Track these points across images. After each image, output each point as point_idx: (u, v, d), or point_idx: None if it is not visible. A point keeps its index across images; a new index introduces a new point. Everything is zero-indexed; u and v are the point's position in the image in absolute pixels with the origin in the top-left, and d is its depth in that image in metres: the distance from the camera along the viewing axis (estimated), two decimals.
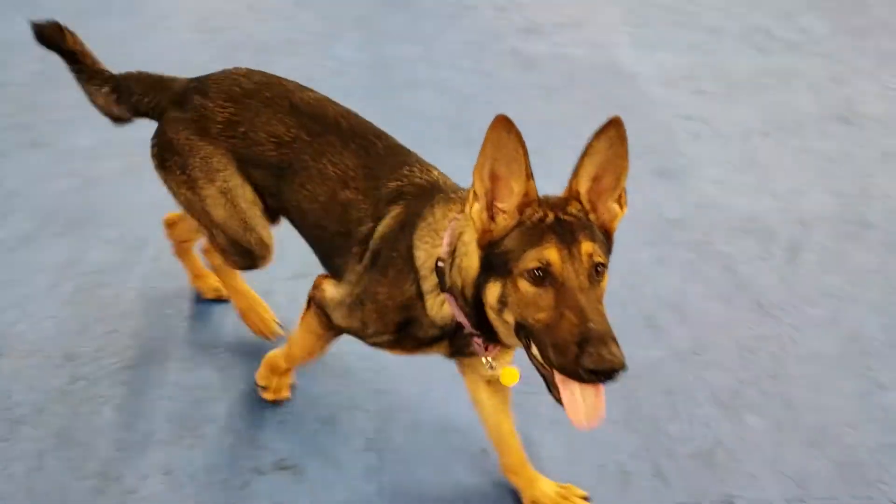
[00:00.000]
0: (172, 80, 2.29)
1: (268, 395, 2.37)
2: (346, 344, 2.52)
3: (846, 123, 4.10)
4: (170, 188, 2.27)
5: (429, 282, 1.84)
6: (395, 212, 1.95)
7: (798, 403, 2.50)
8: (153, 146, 2.24)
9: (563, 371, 1.52)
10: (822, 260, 3.13)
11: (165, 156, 2.22)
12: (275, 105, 2.15)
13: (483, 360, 1.87)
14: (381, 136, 2.13)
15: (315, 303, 2.09)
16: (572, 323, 1.49)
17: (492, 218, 1.65)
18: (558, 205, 1.64)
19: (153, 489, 2.12)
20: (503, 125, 1.56)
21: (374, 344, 2.02)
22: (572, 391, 1.55)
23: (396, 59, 4.45)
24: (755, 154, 3.75)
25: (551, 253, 1.55)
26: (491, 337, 1.78)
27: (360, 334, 2.02)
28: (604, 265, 1.60)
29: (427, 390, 2.45)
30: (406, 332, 1.92)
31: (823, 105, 4.28)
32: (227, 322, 2.65)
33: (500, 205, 1.64)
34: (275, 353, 2.32)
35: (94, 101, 2.34)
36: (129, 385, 2.41)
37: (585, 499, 2.16)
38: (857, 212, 3.42)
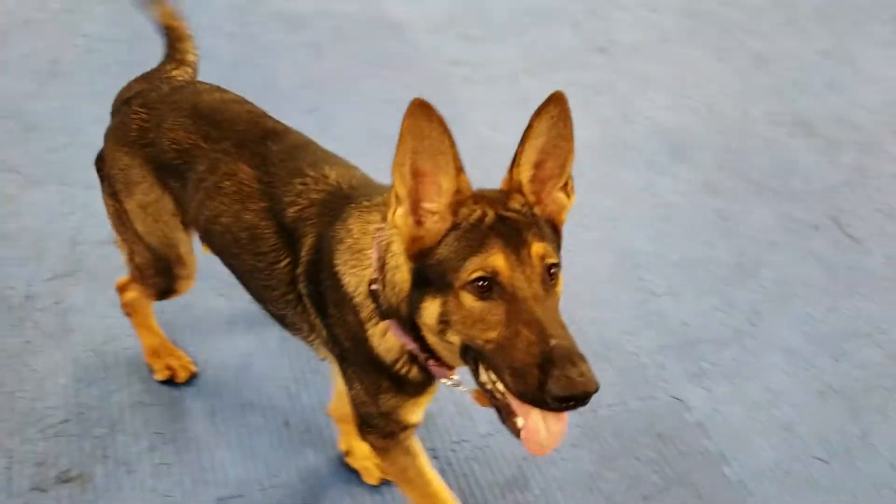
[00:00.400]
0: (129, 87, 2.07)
1: None
2: (124, 338, 2.40)
3: (605, 54, 4.35)
4: (103, 201, 2.06)
5: (366, 309, 1.58)
6: (307, 243, 1.67)
7: (580, 320, 2.65)
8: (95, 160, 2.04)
9: (525, 399, 1.29)
10: (593, 184, 3.31)
11: (98, 167, 2.03)
12: (179, 108, 1.89)
13: (449, 382, 1.60)
14: (276, 134, 1.85)
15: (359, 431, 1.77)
16: (530, 341, 1.28)
17: (419, 222, 1.41)
18: (498, 200, 1.42)
19: None
20: (422, 112, 1.32)
21: (391, 412, 1.66)
22: (534, 420, 1.34)
23: (153, 30, 4.15)
24: (524, 92, 3.88)
25: (497, 259, 1.33)
26: (440, 360, 1.54)
27: (376, 409, 1.66)
28: (557, 266, 1.40)
29: (221, 374, 2.36)
30: (390, 375, 1.62)
31: (583, 38, 4.49)
32: None
33: (427, 206, 1.41)
34: None
35: None
36: None
37: None
38: (620, 136, 3.66)
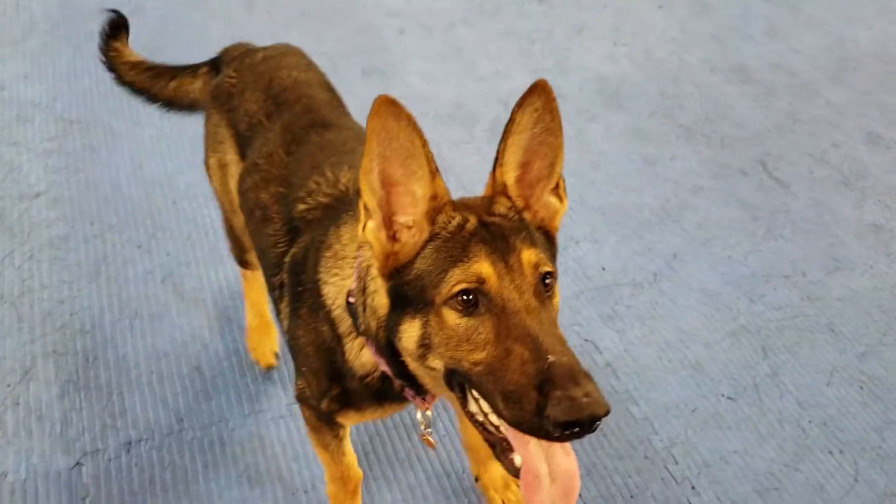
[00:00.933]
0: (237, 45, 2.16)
1: None
2: (39, 291, 2.42)
3: (544, 3, 4.30)
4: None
5: (344, 324, 1.46)
6: (302, 241, 1.62)
7: None
8: None
9: (522, 428, 1.12)
10: None
11: (204, 118, 2.07)
12: (259, 80, 1.89)
13: (419, 416, 1.52)
14: (323, 127, 1.81)
15: (297, 400, 1.74)
16: (524, 359, 1.12)
17: (393, 237, 1.27)
18: (480, 206, 1.30)
19: None
20: (389, 110, 1.18)
21: (330, 412, 1.60)
22: (534, 456, 1.18)
23: None
24: (459, 42, 3.86)
25: (482, 267, 1.19)
26: (420, 389, 1.40)
27: (316, 403, 1.60)
28: (552, 276, 1.25)
29: (136, 323, 2.39)
30: (341, 388, 1.53)
31: None
32: None
33: (401, 219, 1.27)
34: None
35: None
36: None
37: None
38: (554, 85, 3.62)
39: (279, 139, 1.78)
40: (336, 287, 1.47)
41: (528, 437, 1.16)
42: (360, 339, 1.43)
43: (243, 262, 2.16)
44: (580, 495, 2.06)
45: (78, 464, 2.03)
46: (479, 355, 1.17)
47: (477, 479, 2.07)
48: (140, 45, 3.59)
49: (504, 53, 3.81)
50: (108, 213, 2.73)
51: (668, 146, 3.35)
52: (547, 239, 1.33)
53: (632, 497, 2.09)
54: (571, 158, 3.16)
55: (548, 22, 4.11)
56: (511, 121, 1.28)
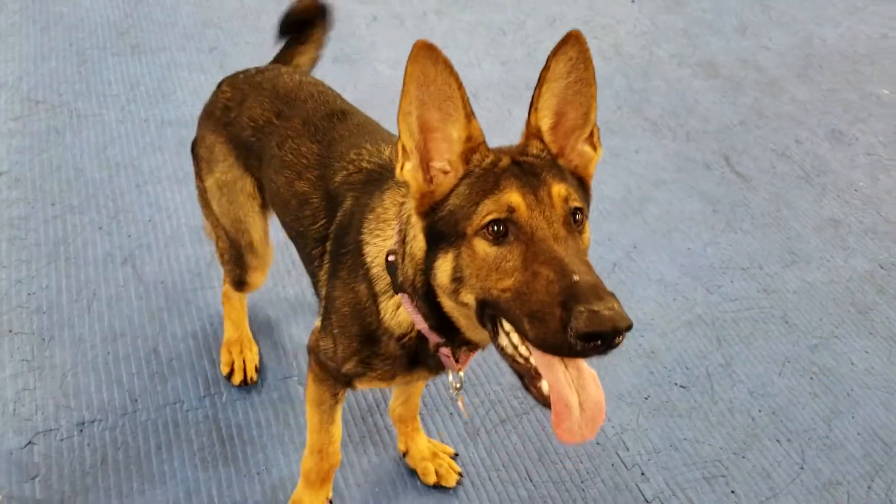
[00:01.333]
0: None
1: None
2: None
3: None
4: (195, 185, 2.09)
5: (381, 282, 1.50)
6: (344, 206, 1.64)
7: None
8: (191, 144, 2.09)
9: (546, 346, 1.15)
10: (488, 124, 3.32)
11: (192, 149, 2.07)
12: (260, 88, 1.91)
13: (451, 378, 1.53)
14: (343, 114, 1.84)
15: (309, 351, 1.75)
16: (550, 280, 1.14)
17: (430, 180, 1.32)
18: (514, 149, 1.34)
19: None
20: (427, 55, 1.21)
21: (351, 376, 1.63)
22: (563, 384, 1.21)
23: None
24: (430, 32, 3.87)
25: (512, 197, 1.22)
26: (455, 338, 1.44)
27: (336, 364, 1.63)
28: (582, 212, 1.27)
29: (94, 304, 2.39)
30: (371, 351, 1.56)
31: None
32: None
33: (437, 164, 1.32)
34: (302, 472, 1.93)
35: None
36: None
37: (454, 456, 2.13)
38: (523, 76, 3.67)
39: (303, 132, 1.81)
40: (377, 247, 1.51)
41: (558, 366, 1.20)
42: (396, 299, 1.47)
43: (241, 284, 2.11)
44: (530, 478, 2.10)
45: (30, 443, 2.03)
46: (508, 282, 1.20)
47: (405, 454, 2.11)
48: (108, 26, 3.61)
49: (475, 43, 3.83)
50: (70, 194, 2.72)
51: (633, 139, 3.38)
52: (581, 185, 1.36)
53: (582, 482, 2.12)
54: None
55: (520, 14, 4.13)
56: (546, 68, 1.31)
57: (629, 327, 1.10)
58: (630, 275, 2.75)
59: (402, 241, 1.43)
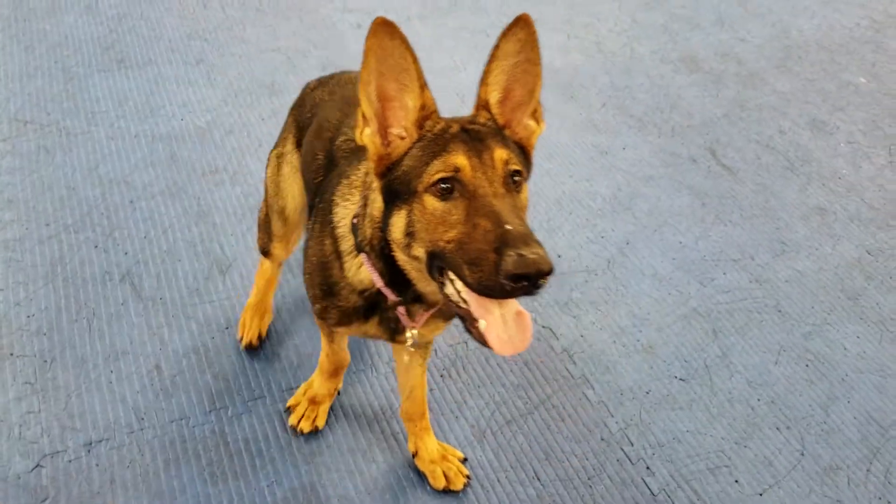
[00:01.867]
0: None
1: (294, 420, 2.19)
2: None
3: None
4: None
5: (346, 241, 1.66)
6: (335, 171, 1.80)
7: None
8: None
9: (482, 288, 1.29)
10: None
11: None
12: (330, 82, 2.15)
13: (408, 334, 1.67)
14: None
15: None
16: (486, 230, 1.29)
17: (388, 144, 1.47)
18: (464, 118, 1.48)
19: None
20: (384, 30, 1.34)
21: (320, 317, 1.81)
22: (495, 319, 1.36)
23: None
24: (415, 37, 3.82)
25: (458, 158, 1.36)
26: (408, 293, 1.59)
27: (312, 305, 1.84)
28: (521, 175, 1.41)
29: (95, 323, 2.38)
30: (331, 302, 1.73)
31: None
32: None
33: (395, 131, 1.46)
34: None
35: None
36: None
37: (462, 460, 2.16)
38: None
39: (336, 104, 2.00)
40: (345, 209, 1.68)
41: (493, 307, 1.36)
42: (359, 259, 1.62)
43: (266, 252, 2.31)
44: (538, 477, 2.13)
45: (38, 466, 2.03)
46: (452, 233, 1.34)
47: (415, 455, 2.14)
48: (93, 42, 3.59)
49: (459, 47, 3.85)
50: (63, 213, 2.71)
51: (619, 136, 3.41)
52: (523, 154, 1.50)
53: (589, 478, 2.15)
54: None
55: (502, 16, 4.15)
56: (496, 47, 1.44)
57: (551, 270, 1.25)
58: (624, 271, 2.78)
59: (364, 205, 1.58)
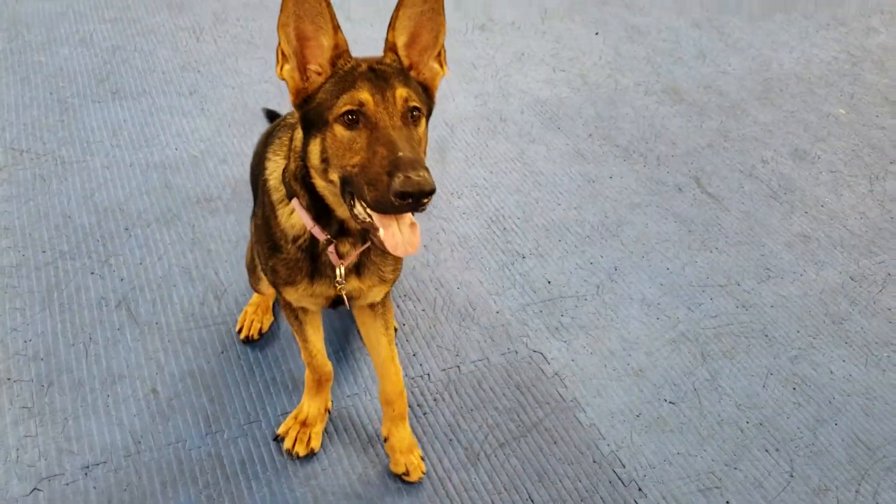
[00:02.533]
0: None
1: (289, 444, 2.21)
2: None
3: (485, 30, 4.45)
4: None
5: (278, 192, 1.84)
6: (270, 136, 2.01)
7: (448, 283, 2.78)
8: None
9: (376, 205, 1.50)
10: (467, 156, 3.44)
11: None
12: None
13: (338, 270, 1.83)
14: None
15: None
16: (383, 156, 1.49)
17: (305, 78, 1.64)
18: (373, 58, 1.65)
19: None
20: None
21: (270, 279, 1.96)
22: (391, 228, 1.56)
23: (31, 16, 4.10)
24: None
25: (363, 94, 1.54)
26: (332, 227, 1.77)
27: (263, 268, 1.98)
28: (420, 111, 1.61)
29: (91, 347, 2.40)
30: (277, 258, 1.88)
31: (464, 17, 4.59)
32: None
33: (312, 67, 1.63)
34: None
35: None
36: None
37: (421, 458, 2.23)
38: (497, 109, 3.78)
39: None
40: (275, 164, 1.87)
41: (390, 221, 1.56)
42: (291, 205, 1.80)
43: (258, 290, 2.46)
44: (531, 499, 2.15)
45: (35, 489, 2.03)
46: (356, 158, 1.54)
47: (385, 440, 2.21)
48: (88, 73, 3.65)
49: (448, 79, 3.92)
50: (59, 240, 2.74)
51: (606, 165, 3.49)
52: (426, 94, 1.69)
53: (581, 500, 2.17)
54: (515, 178, 3.32)
55: (490, 49, 4.26)
56: None
57: (433, 191, 1.46)
58: (613, 296, 2.83)
59: (290, 144, 1.79)
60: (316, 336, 2.15)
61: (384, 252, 1.68)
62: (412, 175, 1.44)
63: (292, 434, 2.21)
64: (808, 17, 4.86)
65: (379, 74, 1.59)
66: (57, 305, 2.50)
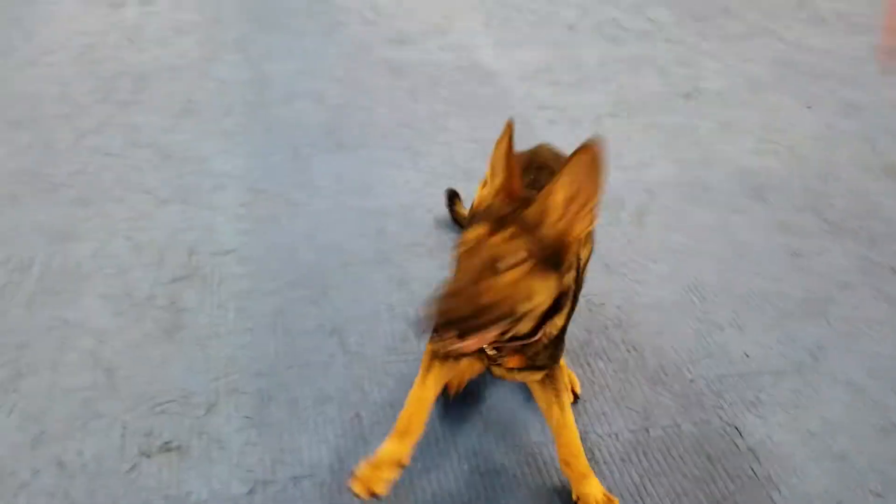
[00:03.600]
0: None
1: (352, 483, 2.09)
2: (226, 336, 2.74)
3: (690, 99, 4.47)
4: None
5: None
6: None
7: (642, 347, 2.79)
8: None
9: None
10: (666, 221, 3.44)
11: None
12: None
13: (489, 352, 1.97)
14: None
15: None
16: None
17: None
18: (503, 203, 1.78)
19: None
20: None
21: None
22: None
23: (275, 75, 4.62)
24: (606, 133, 4.06)
25: (469, 233, 1.69)
26: None
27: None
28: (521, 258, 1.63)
29: (305, 371, 2.63)
30: None
31: (669, 84, 4.63)
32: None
33: None
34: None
35: None
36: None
37: None
38: (699, 176, 3.77)
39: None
40: None
41: None
42: None
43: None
44: None
45: (251, 491, 2.25)
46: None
47: (576, 502, 2.24)
48: (319, 126, 4.05)
49: (648, 144, 3.98)
50: (286, 272, 3.04)
51: (813, 240, 3.37)
52: (555, 251, 1.68)
53: None
54: (715, 246, 3.29)
55: (693, 117, 4.26)
56: (562, 166, 1.65)
57: (437, 320, 1.58)
58: (816, 375, 2.71)
59: None
60: (427, 391, 2.12)
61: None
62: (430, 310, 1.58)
63: (361, 472, 2.06)
64: None
65: (495, 214, 1.74)
66: (280, 329, 2.78)
